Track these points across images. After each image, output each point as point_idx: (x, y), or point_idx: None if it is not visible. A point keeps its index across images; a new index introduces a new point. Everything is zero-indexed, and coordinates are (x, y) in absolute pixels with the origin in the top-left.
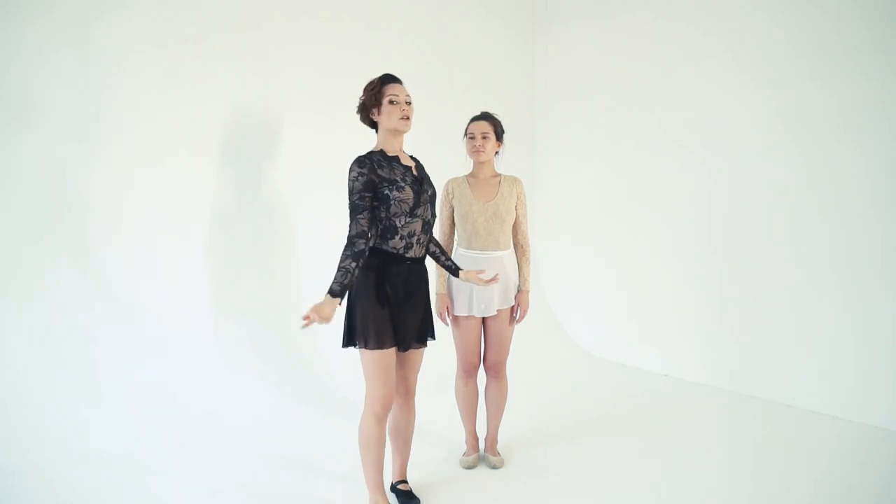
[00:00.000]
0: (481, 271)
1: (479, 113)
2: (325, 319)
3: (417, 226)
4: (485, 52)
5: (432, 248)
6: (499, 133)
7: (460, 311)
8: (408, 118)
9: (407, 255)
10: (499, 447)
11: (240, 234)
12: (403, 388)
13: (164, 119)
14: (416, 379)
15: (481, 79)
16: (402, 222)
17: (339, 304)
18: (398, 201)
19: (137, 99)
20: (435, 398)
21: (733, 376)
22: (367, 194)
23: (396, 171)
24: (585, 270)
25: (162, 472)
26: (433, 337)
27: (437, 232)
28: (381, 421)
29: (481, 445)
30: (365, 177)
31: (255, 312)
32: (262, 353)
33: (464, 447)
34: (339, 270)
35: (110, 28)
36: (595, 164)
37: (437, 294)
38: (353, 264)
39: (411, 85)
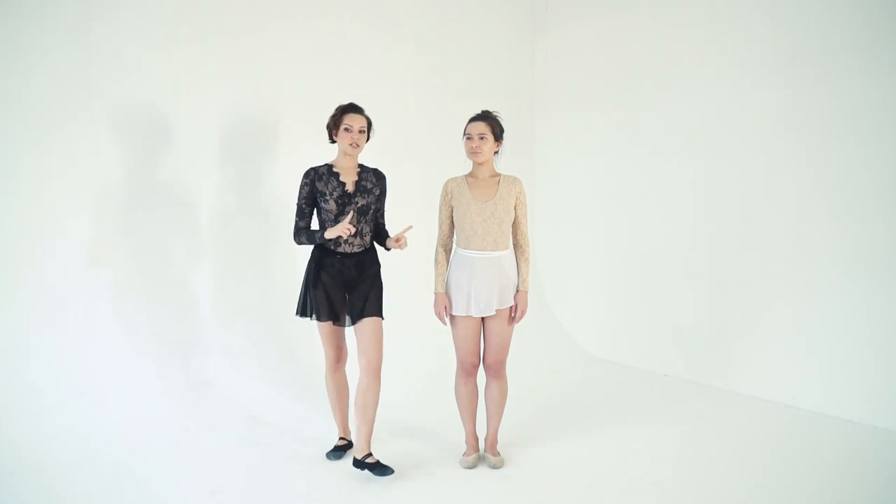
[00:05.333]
0: (407, 228)
1: (478, 112)
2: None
3: None
4: (485, 52)
5: (383, 238)
6: (497, 133)
7: (458, 310)
8: (356, 145)
9: (337, 251)
10: (499, 447)
11: (240, 235)
12: (363, 360)
13: (164, 119)
14: (376, 353)
15: (481, 79)
16: (329, 227)
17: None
18: (324, 211)
19: (137, 99)
20: (434, 398)
21: (733, 376)
22: (309, 200)
23: (329, 186)
24: (585, 270)
25: (162, 472)
26: (379, 315)
27: (437, 232)
28: (331, 374)
29: (481, 445)
30: (308, 186)
31: (256, 312)
32: (262, 352)
33: (464, 447)
34: (308, 238)
35: (110, 28)
36: (595, 163)
37: (435, 293)
38: (304, 234)
39: (411, 85)
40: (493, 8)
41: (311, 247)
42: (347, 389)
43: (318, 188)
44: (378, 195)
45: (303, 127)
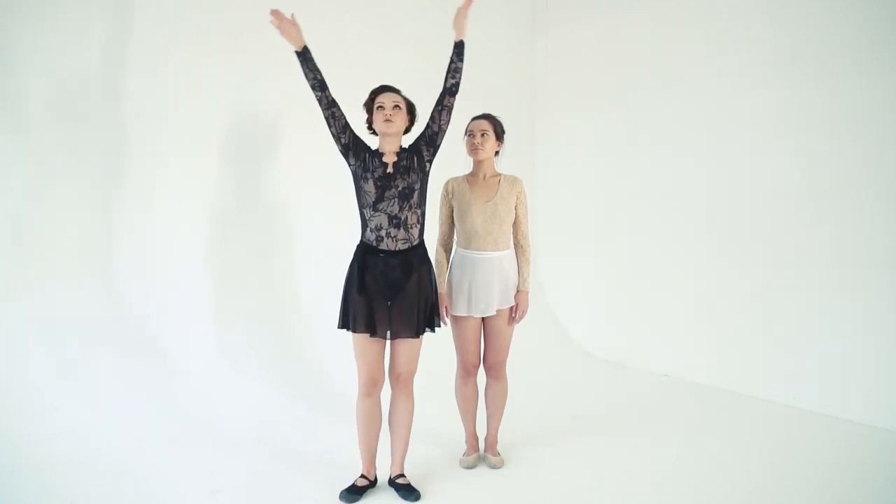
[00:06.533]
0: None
1: (479, 113)
2: (286, 29)
3: (383, 219)
4: (485, 52)
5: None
6: (499, 132)
7: (459, 310)
8: (390, 121)
9: (380, 248)
10: (499, 447)
11: (240, 235)
12: (393, 376)
13: (164, 119)
14: (410, 369)
15: (481, 79)
16: (368, 215)
17: (297, 47)
18: (363, 192)
19: (137, 99)
20: (435, 398)
21: (733, 376)
22: (348, 130)
23: (371, 164)
24: (585, 270)
25: (162, 472)
26: (432, 330)
27: (437, 231)
28: (364, 397)
29: (481, 445)
30: (360, 142)
31: (256, 313)
32: (262, 353)
33: (464, 447)
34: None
35: (110, 28)
36: (595, 163)
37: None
38: (317, 70)
39: (411, 86)
40: (493, 8)
41: (355, 246)
42: (380, 420)
43: (362, 157)
44: (421, 158)
45: (303, 127)
